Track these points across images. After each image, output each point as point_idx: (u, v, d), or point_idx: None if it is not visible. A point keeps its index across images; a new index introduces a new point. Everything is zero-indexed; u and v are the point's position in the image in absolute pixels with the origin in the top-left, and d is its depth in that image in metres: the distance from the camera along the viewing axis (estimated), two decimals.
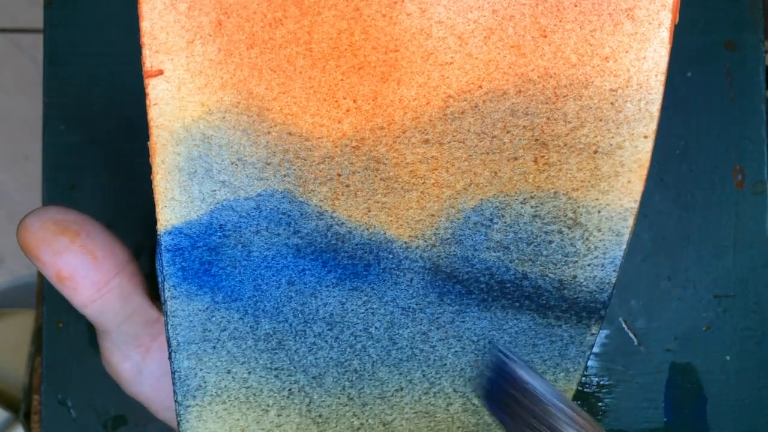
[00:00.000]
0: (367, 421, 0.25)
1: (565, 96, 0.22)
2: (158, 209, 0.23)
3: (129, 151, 0.35)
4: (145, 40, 0.22)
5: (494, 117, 0.23)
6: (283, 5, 0.22)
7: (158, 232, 0.23)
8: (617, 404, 0.34)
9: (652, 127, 0.22)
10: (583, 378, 0.34)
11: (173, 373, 0.24)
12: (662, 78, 0.22)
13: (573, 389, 0.25)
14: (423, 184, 0.23)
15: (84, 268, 0.24)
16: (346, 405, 0.25)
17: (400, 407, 0.25)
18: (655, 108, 0.22)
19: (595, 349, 0.34)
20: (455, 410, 0.25)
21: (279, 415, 0.25)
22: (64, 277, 0.24)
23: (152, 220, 0.35)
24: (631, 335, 0.35)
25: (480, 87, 0.22)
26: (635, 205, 0.23)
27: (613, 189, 0.23)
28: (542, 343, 0.25)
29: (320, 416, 0.25)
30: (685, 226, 0.35)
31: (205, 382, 0.24)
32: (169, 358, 0.24)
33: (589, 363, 0.34)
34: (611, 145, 0.23)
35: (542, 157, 0.23)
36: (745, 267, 0.35)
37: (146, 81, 0.22)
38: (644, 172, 0.23)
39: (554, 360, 0.25)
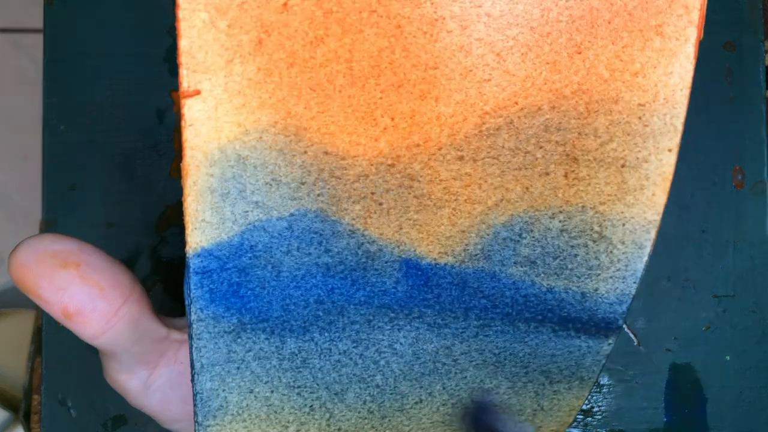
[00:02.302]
0: None
1: (596, 111, 0.22)
2: (188, 231, 0.22)
3: (129, 151, 0.35)
4: (183, 59, 0.21)
5: (528, 133, 0.23)
6: (325, 23, 0.21)
7: (187, 255, 0.22)
8: (617, 404, 0.34)
9: (676, 140, 0.23)
10: None
11: (195, 394, 0.23)
12: (687, 93, 0.22)
13: (585, 395, 0.26)
14: (455, 200, 0.23)
15: (91, 301, 0.22)
16: (366, 418, 0.25)
17: (418, 418, 0.25)
18: (680, 122, 0.23)
19: None
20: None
21: (299, 431, 0.25)
22: (71, 314, 0.22)
23: (152, 221, 0.35)
24: (631, 335, 0.35)
25: (516, 103, 0.22)
26: (658, 218, 0.23)
27: (638, 202, 0.23)
28: (560, 353, 0.25)
29: (339, 430, 0.25)
30: (685, 226, 0.35)
31: (227, 402, 0.24)
32: (192, 380, 0.23)
33: None
34: (638, 158, 0.23)
35: (572, 171, 0.23)
36: (745, 267, 0.35)
37: (182, 101, 0.21)
38: (668, 185, 0.23)
39: (570, 369, 0.25)
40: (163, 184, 0.35)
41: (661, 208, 0.23)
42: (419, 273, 0.24)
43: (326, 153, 0.22)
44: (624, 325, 0.34)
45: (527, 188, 0.23)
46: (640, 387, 0.34)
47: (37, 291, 0.22)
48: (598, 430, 0.34)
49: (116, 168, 0.35)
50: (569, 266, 0.24)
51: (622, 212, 0.23)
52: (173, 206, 0.35)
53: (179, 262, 0.35)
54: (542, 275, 0.24)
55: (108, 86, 0.35)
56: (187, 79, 0.21)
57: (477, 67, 0.22)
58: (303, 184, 0.22)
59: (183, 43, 0.21)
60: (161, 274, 0.35)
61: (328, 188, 0.23)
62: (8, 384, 0.68)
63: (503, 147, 0.23)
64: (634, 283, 0.24)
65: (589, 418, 0.34)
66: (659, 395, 0.34)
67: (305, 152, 0.22)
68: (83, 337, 0.23)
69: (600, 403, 0.34)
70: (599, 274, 0.24)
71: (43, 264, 0.22)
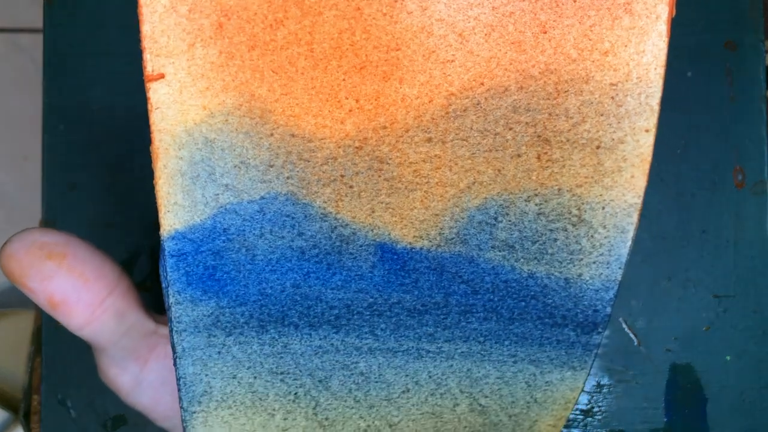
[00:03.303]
0: (373, 422, 0.25)
1: (566, 91, 0.22)
2: (161, 214, 0.22)
3: (129, 151, 0.35)
4: (146, 43, 0.22)
5: (496, 114, 0.23)
6: (284, 6, 0.22)
7: (161, 238, 0.23)
8: (617, 404, 0.34)
9: (653, 120, 0.22)
10: None
11: (178, 379, 0.24)
12: (661, 71, 0.22)
13: (580, 388, 0.25)
14: (427, 183, 0.23)
15: (76, 291, 0.23)
16: (353, 408, 0.25)
17: (407, 408, 0.25)
18: (655, 101, 0.22)
19: None
20: (462, 411, 0.25)
21: (285, 419, 0.25)
22: (56, 303, 0.23)
23: (152, 221, 0.35)
24: (631, 335, 0.35)
25: (482, 84, 0.22)
26: (639, 201, 0.23)
27: (617, 185, 0.23)
28: (549, 342, 0.25)
29: (327, 419, 0.25)
30: (685, 226, 0.35)
31: (210, 388, 0.24)
32: (174, 364, 0.23)
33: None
34: (613, 140, 0.22)
35: (545, 153, 0.23)
36: (746, 267, 0.35)
37: (147, 85, 0.22)
38: (647, 166, 0.23)
39: (561, 359, 0.25)
40: None
41: (641, 191, 0.23)
42: (395, 257, 0.24)
43: (293, 135, 0.22)
44: (621, 321, 0.34)
45: (499, 170, 0.23)
46: (640, 387, 0.34)
47: (24, 281, 0.22)
48: (598, 430, 0.34)
49: (116, 168, 0.35)
50: (549, 251, 0.24)
51: (600, 195, 0.23)
52: None
53: None
54: (522, 260, 0.24)
55: (108, 86, 0.35)
56: (150, 63, 0.22)
57: (440, 48, 0.22)
58: (271, 166, 0.23)
59: (145, 28, 0.22)
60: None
61: (297, 171, 0.23)
62: (8, 384, 0.68)
63: (471, 128, 0.23)
64: (619, 268, 0.23)
65: (589, 418, 0.34)
66: (659, 395, 0.34)
67: (272, 135, 0.22)
68: (70, 328, 0.23)
69: (600, 404, 0.34)
70: (581, 260, 0.23)
71: (30, 255, 0.22)
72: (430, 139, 0.23)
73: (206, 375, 0.24)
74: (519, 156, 0.23)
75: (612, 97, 0.22)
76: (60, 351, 0.34)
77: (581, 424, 0.34)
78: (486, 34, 0.22)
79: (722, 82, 0.35)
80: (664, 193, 0.35)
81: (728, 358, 0.34)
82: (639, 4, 0.22)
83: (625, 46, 0.22)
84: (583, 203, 0.23)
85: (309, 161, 0.23)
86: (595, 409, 0.34)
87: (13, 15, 0.72)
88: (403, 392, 0.25)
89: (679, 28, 0.35)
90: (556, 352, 0.25)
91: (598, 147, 0.23)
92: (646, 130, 0.22)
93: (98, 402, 0.34)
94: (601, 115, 0.22)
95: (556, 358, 0.25)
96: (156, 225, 0.35)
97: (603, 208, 0.23)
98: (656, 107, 0.22)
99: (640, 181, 0.23)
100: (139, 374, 0.26)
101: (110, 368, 0.25)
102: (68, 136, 0.35)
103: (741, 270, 0.35)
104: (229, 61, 0.22)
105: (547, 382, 0.25)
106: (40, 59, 0.35)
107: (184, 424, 0.24)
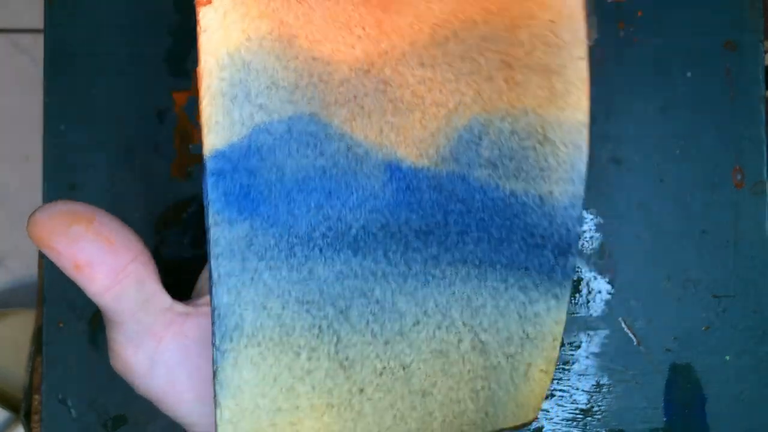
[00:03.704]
0: (388, 363, 0.27)
1: (518, 26, 0.27)
2: (204, 133, 0.25)
3: (128, 151, 0.35)
4: None
5: (470, 42, 0.27)
6: None
7: (204, 157, 0.25)
8: (617, 404, 0.34)
9: (584, 49, 0.27)
10: (583, 377, 0.34)
11: (213, 310, 0.25)
12: (582, 11, 0.27)
13: (563, 319, 0.28)
14: (423, 103, 0.27)
15: (101, 254, 0.24)
16: (371, 344, 0.27)
17: (417, 345, 0.27)
18: (583, 35, 0.27)
19: (595, 349, 0.34)
20: (465, 349, 0.28)
21: (309, 359, 0.26)
22: (81, 265, 0.23)
23: (153, 221, 0.35)
24: (631, 335, 0.35)
25: (457, 17, 0.27)
26: (586, 119, 0.27)
27: (568, 105, 0.27)
28: (533, 266, 0.28)
29: (347, 359, 0.27)
30: (684, 226, 0.35)
31: (242, 320, 0.25)
32: (210, 293, 0.25)
33: (589, 362, 0.34)
34: (558, 65, 0.27)
35: (511, 77, 0.27)
36: (745, 267, 0.35)
37: (198, 9, 0.24)
38: (587, 88, 0.27)
39: (545, 285, 0.28)
40: (163, 185, 0.35)
41: (587, 110, 0.27)
42: (401, 176, 0.27)
43: (314, 59, 0.26)
44: (621, 321, 0.34)
45: (478, 92, 0.27)
46: (639, 387, 0.34)
47: (51, 243, 0.23)
48: (598, 430, 0.34)
49: (116, 168, 0.35)
50: (524, 167, 0.27)
51: (557, 115, 0.27)
52: (173, 206, 0.35)
53: (180, 262, 0.35)
54: (503, 178, 0.27)
55: (108, 86, 0.35)
56: None
57: None
58: (297, 87, 0.26)
59: None
60: (161, 274, 0.35)
61: (318, 92, 0.26)
62: (9, 384, 0.68)
63: (453, 54, 0.27)
64: (581, 184, 0.27)
65: (589, 418, 0.34)
66: (659, 395, 0.34)
67: (297, 57, 0.26)
68: (90, 292, 0.24)
69: (600, 403, 0.34)
70: (550, 176, 0.27)
71: (57, 220, 0.23)
72: (422, 64, 0.27)
73: (239, 306, 0.25)
74: (491, 79, 0.27)
75: (551, 30, 0.27)
76: (61, 351, 0.35)
77: (581, 423, 0.34)
78: None
79: (722, 82, 0.35)
80: (663, 193, 0.35)
81: (728, 358, 0.35)
82: None
83: None
84: (545, 122, 0.27)
85: (327, 83, 0.26)
86: (595, 409, 0.34)
87: (14, 15, 0.72)
88: (414, 325, 0.27)
89: (678, 29, 0.35)
90: (540, 278, 0.28)
91: (548, 71, 0.27)
92: (580, 58, 0.27)
93: (99, 401, 0.34)
94: (547, 45, 0.27)
95: (540, 284, 0.28)
96: (158, 225, 0.35)
97: (561, 126, 0.27)
98: (584, 39, 0.27)
99: (584, 102, 0.27)
100: (154, 353, 0.26)
101: (125, 347, 0.26)
102: (69, 137, 0.35)
103: (740, 270, 0.35)
104: None
105: (535, 313, 0.28)
106: (41, 59, 0.35)
107: (215, 367, 0.25)
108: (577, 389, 0.34)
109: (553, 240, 0.28)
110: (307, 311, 0.26)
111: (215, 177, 0.25)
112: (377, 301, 0.27)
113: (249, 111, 0.25)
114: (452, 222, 0.27)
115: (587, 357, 0.34)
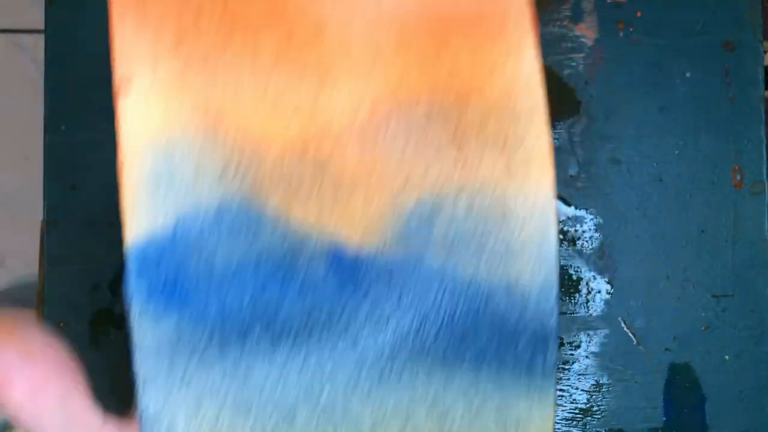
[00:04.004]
0: None
1: (469, 97, 0.25)
2: (125, 224, 0.24)
3: None
4: (116, 56, 0.24)
5: (417, 117, 0.25)
6: (231, 30, 0.25)
7: (126, 248, 0.23)
8: (616, 403, 0.34)
9: (544, 118, 0.25)
10: (582, 377, 0.34)
11: (141, 414, 0.23)
12: (539, 78, 0.25)
13: (551, 414, 0.25)
14: (366, 183, 0.25)
15: (20, 366, 0.22)
16: None
17: None
18: (542, 102, 0.25)
19: (594, 349, 0.34)
20: None
21: None
22: None
23: None
24: (630, 335, 0.35)
25: (401, 90, 0.25)
26: (551, 194, 0.25)
27: (529, 180, 0.25)
28: (507, 361, 0.25)
29: None
30: (683, 226, 0.35)
31: (174, 425, 0.23)
32: (137, 398, 0.23)
33: (589, 362, 0.34)
34: (515, 139, 0.25)
35: (463, 152, 0.25)
36: (744, 267, 0.35)
37: (115, 97, 0.24)
38: (549, 161, 0.25)
39: (523, 382, 0.25)
40: None
41: (551, 185, 0.25)
42: (345, 262, 0.25)
43: (244, 140, 0.25)
44: (620, 321, 0.35)
45: (427, 169, 0.25)
46: (639, 386, 0.34)
47: None
48: (598, 429, 0.34)
49: (116, 168, 0.35)
50: (485, 250, 0.25)
51: (517, 191, 0.25)
52: None
53: None
54: (461, 261, 0.25)
55: (108, 86, 0.35)
56: (119, 75, 0.24)
57: (362, 61, 0.25)
58: (226, 171, 0.24)
59: (116, 45, 0.24)
60: None
61: (250, 174, 0.25)
62: None
63: (397, 132, 0.25)
64: (553, 270, 0.25)
65: (589, 417, 0.34)
66: (658, 394, 0.34)
67: (225, 138, 0.25)
68: (9, 407, 0.22)
69: (599, 403, 0.34)
70: (515, 260, 0.25)
71: None
72: (364, 141, 0.25)
73: (169, 411, 0.23)
74: (441, 154, 0.25)
75: (506, 102, 0.25)
76: None
77: (581, 423, 0.34)
78: (396, 50, 0.25)
79: (721, 83, 0.35)
80: (662, 192, 0.35)
81: (727, 357, 0.35)
82: (511, 27, 0.25)
83: (507, 60, 0.25)
84: (504, 199, 0.25)
85: (260, 164, 0.25)
86: (595, 408, 0.34)
87: (15, 16, 0.72)
88: (372, 428, 0.25)
89: (678, 29, 0.35)
90: (516, 373, 0.25)
91: (504, 146, 0.25)
92: (540, 129, 0.25)
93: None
94: (500, 117, 0.25)
95: (518, 381, 0.25)
96: None
97: (523, 203, 0.25)
98: (543, 107, 0.25)
99: (548, 176, 0.25)
100: None
101: None
102: (69, 137, 0.35)
103: (740, 270, 0.35)
104: (187, 75, 0.24)
105: (517, 416, 0.25)
106: (42, 60, 0.35)
107: None
108: (577, 389, 0.34)
109: (527, 332, 0.25)
110: (247, 415, 0.24)
111: (138, 269, 0.23)
112: (326, 403, 0.24)
113: (173, 198, 0.24)
114: (407, 310, 0.25)
115: (587, 356, 0.34)
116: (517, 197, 0.25)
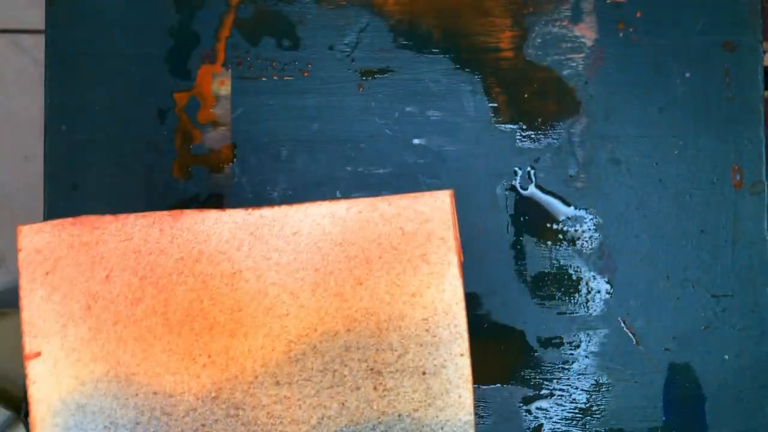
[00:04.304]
0: None
1: (387, 329, 0.27)
2: None
3: (130, 152, 0.35)
4: (25, 328, 0.26)
5: (332, 354, 0.27)
6: (141, 287, 0.26)
7: None
8: (616, 403, 0.34)
9: (465, 345, 0.26)
10: (582, 376, 0.34)
11: None
12: (462, 305, 0.27)
13: None
14: (281, 423, 0.26)
15: None
16: None
17: None
18: (463, 329, 0.26)
19: (594, 348, 0.35)
20: None
21: None
22: None
23: None
24: (630, 335, 0.35)
25: (315, 330, 0.27)
26: (471, 418, 0.27)
27: (448, 405, 0.26)
28: None
29: None
30: (683, 226, 0.35)
31: None
32: None
33: (589, 362, 0.34)
34: (435, 365, 0.26)
35: (380, 384, 0.27)
36: (744, 266, 0.35)
37: (25, 363, 0.26)
38: (470, 385, 0.27)
39: None
40: (164, 184, 0.35)
41: (471, 408, 0.27)
42: None
43: (155, 393, 0.26)
44: (620, 321, 0.35)
45: (343, 404, 0.27)
46: (639, 386, 0.34)
47: None
48: (597, 429, 0.34)
49: (117, 168, 0.35)
50: None
51: (436, 416, 0.26)
52: (174, 206, 0.35)
53: None
54: None
55: (109, 87, 0.35)
56: (29, 344, 0.26)
57: (275, 305, 0.26)
58: (138, 423, 0.26)
59: (25, 315, 0.26)
60: None
61: (161, 425, 0.26)
62: (10, 384, 0.68)
63: (312, 369, 0.27)
64: None
65: (588, 417, 0.34)
66: (658, 394, 0.34)
67: (136, 394, 0.26)
68: None
69: (599, 402, 0.34)
70: None
71: None
72: (278, 383, 0.26)
73: None
74: (358, 389, 0.27)
75: (426, 330, 0.26)
76: None
77: (580, 422, 0.34)
78: (312, 290, 0.27)
79: (721, 83, 0.35)
80: (662, 193, 0.35)
81: (726, 357, 0.35)
82: (433, 255, 0.26)
83: (428, 287, 0.26)
84: (423, 426, 0.27)
85: (171, 415, 0.26)
86: (594, 408, 0.34)
87: (15, 16, 0.72)
88: None
89: (678, 29, 0.35)
90: None
91: (423, 373, 0.27)
92: (461, 354, 0.27)
93: None
94: (420, 345, 0.27)
95: None
96: None
97: (441, 428, 0.26)
98: (465, 334, 0.26)
99: (468, 399, 0.27)
100: None
101: None
102: (70, 137, 0.35)
103: (739, 269, 0.35)
104: (97, 335, 0.26)
105: None
106: (42, 60, 0.35)
107: None
108: (577, 388, 0.34)
109: None
110: None
111: None
112: None
113: None
114: None
115: (586, 356, 0.34)
116: (436, 422, 0.26)
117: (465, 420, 0.27)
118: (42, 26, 0.36)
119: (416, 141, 0.34)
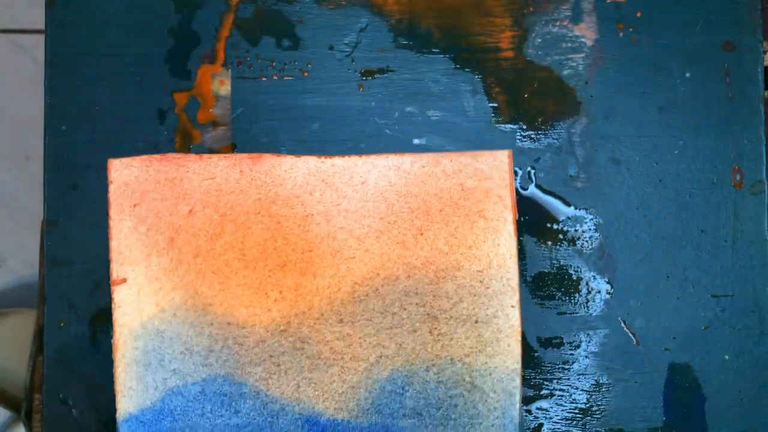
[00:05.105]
0: None
1: (443, 278, 0.28)
2: (117, 399, 0.27)
3: (130, 152, 0.35)
4: (113, 255, 0.28)
5: (392, 297, 0.28)
6: (221, 223, 0.28)
7: (117, 421, 0.27)
8: (616, 403, 0.34)
9: (516, 297, 0.28)
10: (582, 376, 0.34)
11: None
12: (515, 259, 0.29)
13: None
14: (342, 359, 0.28)
15: None
16: None
17: None
18: (515, 283, 0.29)
19: (594, 349, 0.35)
20: None
21: None
22: None
23: None
24: (630, 335, 0.35)
25: (378, 274, 0.28)
26: (518, 366, 0.29)
27: (498, 353, 0.28)
28: None
29: None
30: (683, 226, 0.35)
31: None
32: None
33: (588, 362, 0.34)
34: (487, 315, 0.28)
35: (435, 328, 0.28)
36: (744, 266, 0.35)
37: (112, 288, 0.28)
38: (519, 335, 0.29)
39: None
40: None
41: (519, 357, 0.28)
42: (319, 430, 0.28)
43: (229, 323, 0.28)
44: (620, 321, 0.35)
45: (400, 345, 0.28)
46: (638, 386, 0.34)
47: None
48: (597, 429, 0.34)
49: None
50: (452, 416, 0.28)
51: (486, 363, 0.28)
52: None
53: None
54: (430, 426, 0.28)
55: (109, 87, 0.35)
56: (116, 270, 0.28)
57: (343, 248, 0.28)
58: (211, 351, 0.28)
59: (113, 244, 0.28)
60: None
61: (233, 354, 0.28)
62: (10, 384, 0.68)
63: (374, 310, 0.28)
64: (515, 431, 0.28)
65: (588, 417, 0.34)
66: (658, 394, 0.34)
67: (212, 324, 0.28)
68: None
69: (599, 402, 0.34)
70: (481, 423, 0.28)
71: None
72: (341, 320, 0.28)
73: None
74: (414, 331, 0.28)
75: (480, 281, 0.28)
76: (61, 351, 0.35)
77: (580, 423, 0.34)
78: (377, 237, 0.28)
79: (721, 83, 0.35)
80: (662, 193, 0.35)
81: (727, 357, 0.35)
82: (490, 212, 0.28)
83: (484, 242, 0.28)
84: (473, 371, 0.28)
85: (242, 345, 0.28)
86: (594, 408, 0.34)
87: (15, 16, 0.72)
88: None
89: (678, 29, 0.35)
90: None
91: (476, 321, 0.28)
92: (512, 306, 0.29)
93: (99, 401, 0.35)
94: (474, 295, 0.28)
95: None
96: None
97: (490, 374, 0.28)
98: (516, 287, 0.28)
99: (516, 349, 0.29)
100: None
101: None
102: (70, 137, 0.35)
103: (739, 269, 0.35)
104: (178, 266, 0.28)
105: None
106: (42, 60, 0.35)
107: None
108: (577, 388, 0.34)
109: None
110: None
111: None
112: None
113: (162, 376, 0.28)
114: None
115: (586, 356, 0.34)
116: (485, 368, 0.28)
117: (512, 368, 0.28)
118: (42, 26, 0.36)
119: (416, 141, 0.34)
